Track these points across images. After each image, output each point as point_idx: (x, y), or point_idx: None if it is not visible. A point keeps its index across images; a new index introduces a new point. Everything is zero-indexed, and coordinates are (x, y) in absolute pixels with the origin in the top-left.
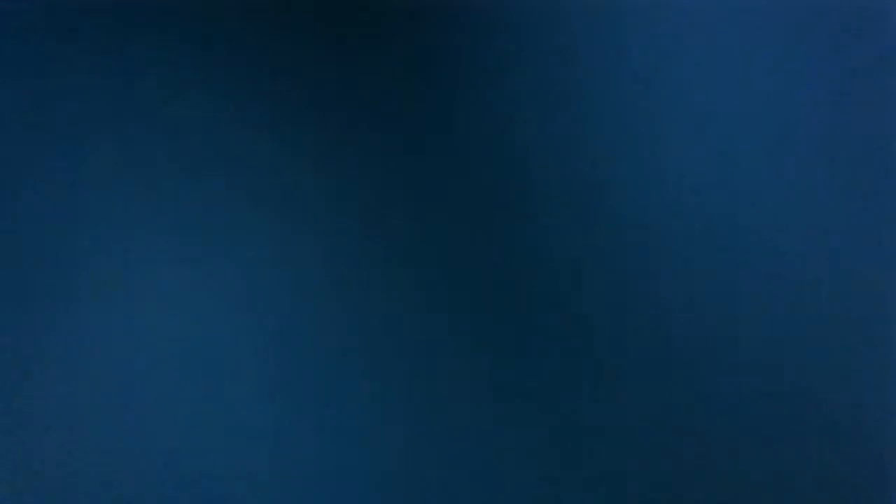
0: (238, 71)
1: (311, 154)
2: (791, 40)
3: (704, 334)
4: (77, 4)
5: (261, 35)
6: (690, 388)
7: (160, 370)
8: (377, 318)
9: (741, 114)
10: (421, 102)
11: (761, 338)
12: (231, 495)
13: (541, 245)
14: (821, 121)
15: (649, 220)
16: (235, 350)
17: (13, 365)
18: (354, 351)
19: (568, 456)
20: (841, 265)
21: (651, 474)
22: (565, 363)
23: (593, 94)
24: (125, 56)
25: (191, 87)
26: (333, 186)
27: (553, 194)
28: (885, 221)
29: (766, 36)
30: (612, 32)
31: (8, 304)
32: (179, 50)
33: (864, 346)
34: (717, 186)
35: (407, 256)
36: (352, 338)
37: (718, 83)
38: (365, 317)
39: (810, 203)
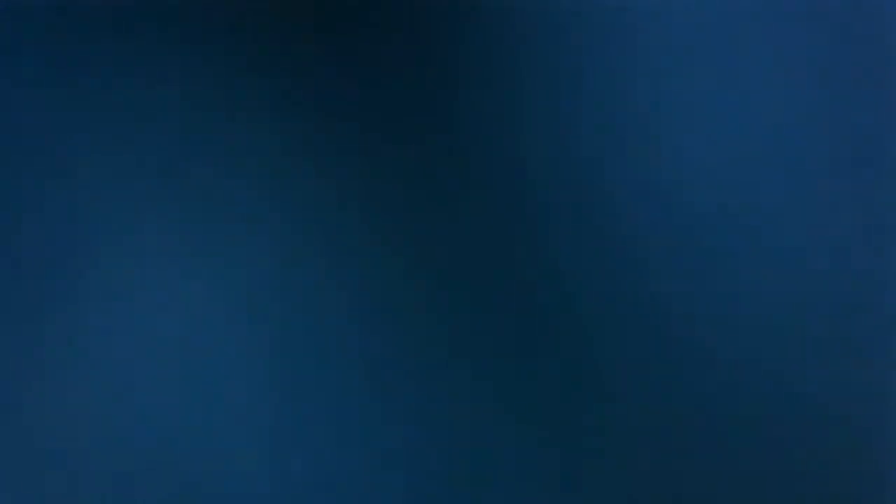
0: (239, 71)
1: (312, 153)
2: (791, 40)
3: (705, 334)
4: (77, 3)
5: (262, 33)
6: (691, 388)
7: (160, 369)
8: (378, 319)
9: (743, 114)
10: (423, 102)
11: (762, 338)
12: (231, 495)
13: (542, 245)
14: (820, 120)
15: (649, 219)
16: (235, 349)
17: (13, 365)
18: (355, 351)
19: (568, 456)
20: (841, 265)
21: (652, 475)
22: (566, 363)
23: (593, 94)
24: (126, 55)
25: (191, 85)
26: (334, 186)
27: (555, 195)
28: (885, 221)
29: (765, 36)
30: (612, 32)
31: (8, 303)
32: (180, 48)
33: (864, 346)
34: (717, 186)
35: (408, 256)
36: (352, 338)
37: (718, 83)
38: (365, 317)
39: (810, 202)
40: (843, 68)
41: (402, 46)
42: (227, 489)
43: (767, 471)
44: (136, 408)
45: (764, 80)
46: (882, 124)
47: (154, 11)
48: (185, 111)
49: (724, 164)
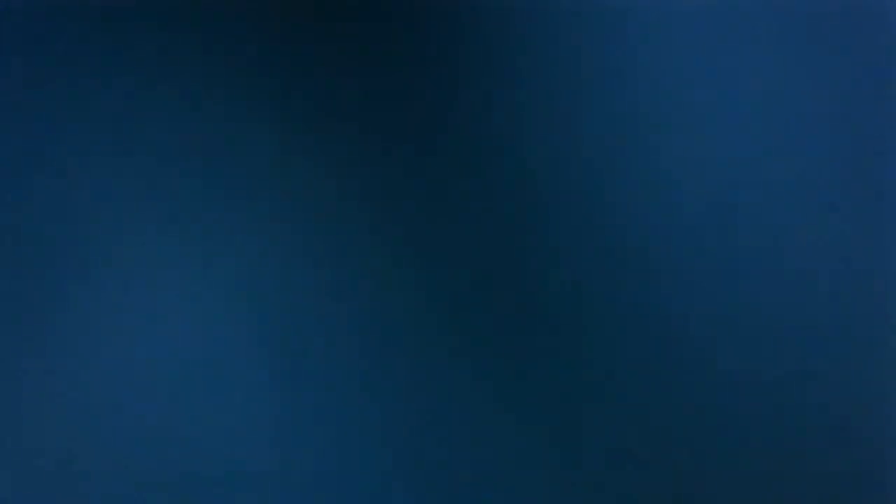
0: (240, 70)
1: (313, 153)
2: (791, 40)
3: (705, 335)
4: (77, 3)
5: (263, 32)
6: (691, 389)
7: (160, 369)
8: (378, 318)
9: (743, 114)
10: (423, 102)
11: (762, 338)
12: (231, 495)
13: (543, 245)
14: (821, 121)
15: (650, 219)
16: (236, 349)
17: (13, 365)
18: (355, 351)
19: (568, 456)
20: (841, 265)
21: (652, 476)
22: (566, 363)
23: (593, 94)
24: (126, 54)
25: (191, 85)
26: (335, 186)
27: (556, 194)
28: (885, 221)
29: (766, 36)
30: (612, 32)
31: (8, 303)
32: (181, 48)
33: (865, 347)
34: (718, 187)
35: (408, 256)
36: (353, 338)
37: (719, 83)
38: (366, 317)
39: (810, 202)
40: (844, 69)
41: (402, 46)
42: (228, 488)
43: (768, 471)
44: (137, 407)
45: (764, 81)
46: (882, 124)
47: (154, 11)
48: (183, 111)
49: (725, 164)
